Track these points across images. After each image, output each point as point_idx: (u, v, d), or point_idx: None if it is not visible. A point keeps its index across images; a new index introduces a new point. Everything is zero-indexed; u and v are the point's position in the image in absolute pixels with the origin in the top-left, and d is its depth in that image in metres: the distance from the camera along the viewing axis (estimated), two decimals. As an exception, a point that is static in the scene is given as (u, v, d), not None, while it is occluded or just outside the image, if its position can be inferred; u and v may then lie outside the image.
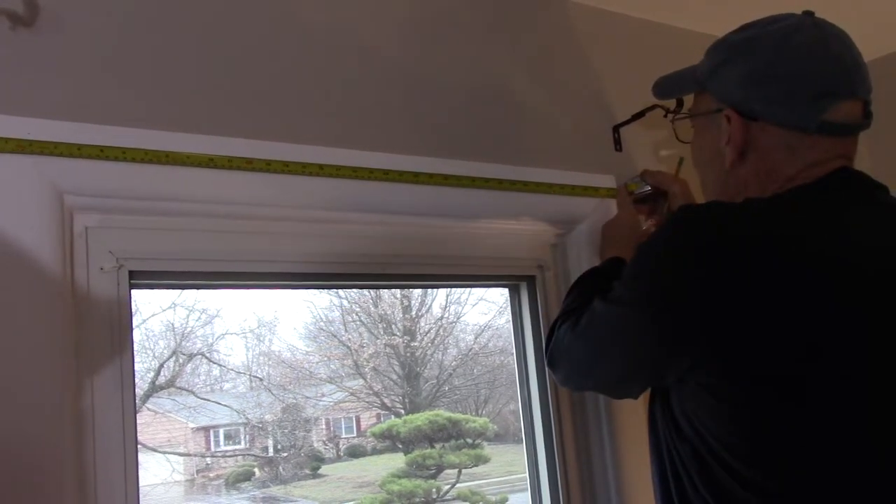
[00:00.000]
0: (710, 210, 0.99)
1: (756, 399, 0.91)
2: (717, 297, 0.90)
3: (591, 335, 1.09)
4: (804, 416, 0.90)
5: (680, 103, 1.38)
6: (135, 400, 1.19)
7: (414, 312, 5.43)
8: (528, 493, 1.57)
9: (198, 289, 1.30)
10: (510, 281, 1.66)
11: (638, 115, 1.65)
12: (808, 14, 1.08)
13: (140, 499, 1.17)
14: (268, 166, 1.25)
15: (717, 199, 1.11)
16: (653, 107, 1.55)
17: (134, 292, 1.22)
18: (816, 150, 1.02)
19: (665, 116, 1.38)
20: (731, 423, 0.93)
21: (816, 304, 0.90)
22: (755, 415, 0.92)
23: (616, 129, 1.72)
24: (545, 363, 1.25)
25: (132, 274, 1.20)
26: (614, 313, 1.05)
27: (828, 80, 1.02)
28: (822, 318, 0.90)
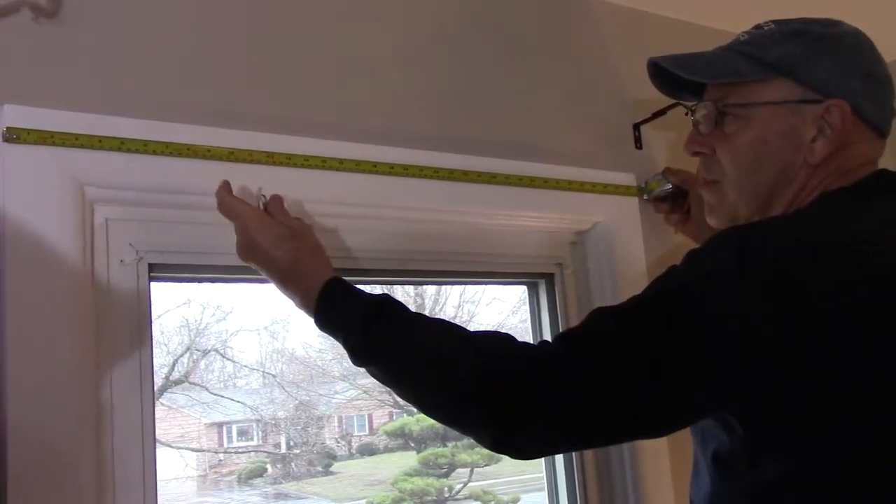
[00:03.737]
0: (776, 234, 0.91)
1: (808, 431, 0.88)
2: (780, 330, 0.85)
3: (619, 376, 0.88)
4: (872, 440, 0.86)
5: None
6: (153, 393, 1.19)
7: (427, 311, 5.42)
8: (546, 493, 1.56)
9: (217, 282, 1.29)
10: (528, 279, 1.64)
11: (659, 113, 1.64)
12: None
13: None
14: (288, 160, 1.25)
15: (769, 192, 1.06)
16: (674, 104, 1.53)
17: (151, 286, 1.21)
18: (878, 153, 1.05)
19: (705, 107, 1.12)
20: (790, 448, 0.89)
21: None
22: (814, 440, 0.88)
23: (637, 126, 1.70)
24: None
25: (152, 267, 1.20)
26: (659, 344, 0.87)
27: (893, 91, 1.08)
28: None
